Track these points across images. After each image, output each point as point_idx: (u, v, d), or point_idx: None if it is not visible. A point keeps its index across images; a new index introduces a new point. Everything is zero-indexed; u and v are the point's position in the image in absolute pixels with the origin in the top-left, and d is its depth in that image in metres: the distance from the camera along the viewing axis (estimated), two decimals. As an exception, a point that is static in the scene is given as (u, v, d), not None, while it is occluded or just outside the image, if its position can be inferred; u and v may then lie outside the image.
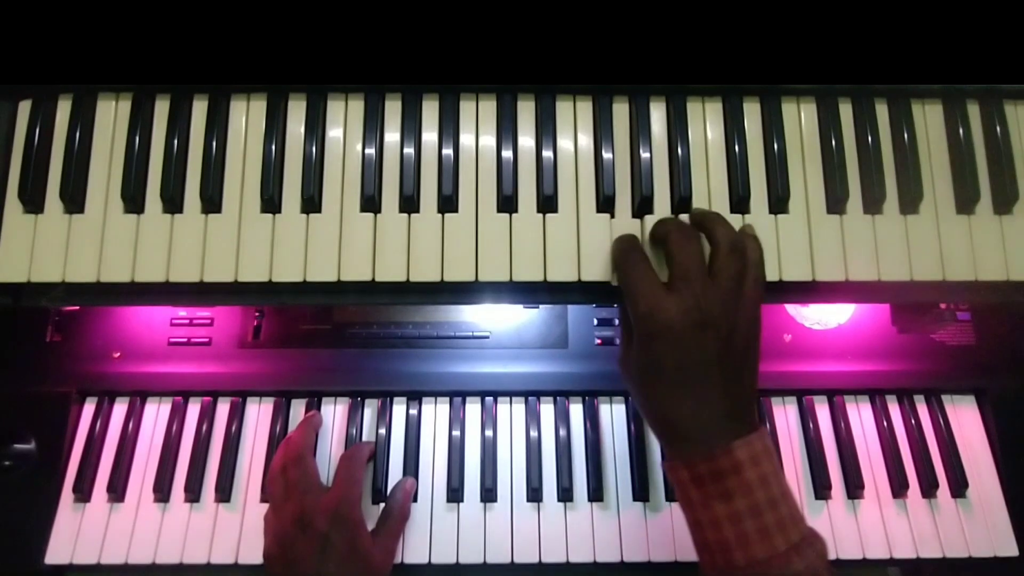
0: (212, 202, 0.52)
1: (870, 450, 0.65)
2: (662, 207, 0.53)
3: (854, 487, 0.63)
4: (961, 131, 0.54)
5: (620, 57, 0.51)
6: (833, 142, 0.53)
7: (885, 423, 0.66)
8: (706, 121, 0.54)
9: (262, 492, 0.63)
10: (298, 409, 0.66)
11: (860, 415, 0.67)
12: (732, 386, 0.45)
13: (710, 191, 0.53)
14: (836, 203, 0.53)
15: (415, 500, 0.62)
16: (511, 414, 0.66)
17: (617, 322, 0.69)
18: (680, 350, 0.44)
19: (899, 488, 0.63)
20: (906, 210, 0.53)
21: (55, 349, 0.67)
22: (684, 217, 0.50)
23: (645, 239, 0.51)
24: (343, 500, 0.56)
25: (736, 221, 0.51)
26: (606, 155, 0.53)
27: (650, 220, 0.51)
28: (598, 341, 0.69)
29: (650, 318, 0.45)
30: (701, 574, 0.46)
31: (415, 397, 0.66)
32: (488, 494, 0.62)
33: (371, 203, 0.52)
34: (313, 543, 0.53)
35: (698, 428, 0.45)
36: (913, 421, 0.66)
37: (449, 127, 0.53)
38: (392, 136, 0.53)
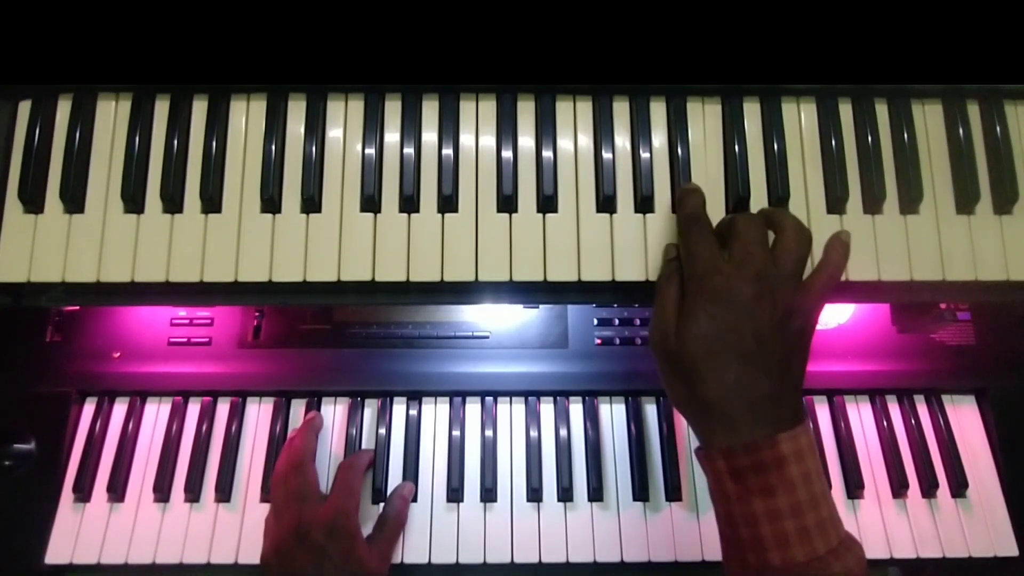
0: (212, 202, 0.52)
1: (870, 450, 0.65)
2: (663, 207, 0.52)
3: (854, 487, 0.63)
4: (961, 131, 0.54)
5: (620, 57, 0.50)
6: (833, 142, 0.53)
7: (885, 423, 0.66)
8: (706, 121, 0.54)
9: (262, 492, 0.63)
10: (298, 409, 0.66)
11: (860, 415, 0.67)
12: (779, 370, 0.44)
13: (710, 191, 0.53)
14: (836, 203, 0.53)
15: (415, 500, 0.62)
16: (511, 414, 0.66)
17: (617, 322, 0.69)
18: (733, 316, 0.43)
19: (899, 488, 0.63)
20: (906, 210, 0.53)
21: (55, 349, 0.67)
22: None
23: (646, 239, 0.51)
24: (340, 512, 0.56)
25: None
26: (606, 155, 0.53)
27: (651, 220, 0.51)
28: (598, 341, 0.69)
29: (707, 279, 0.44)
30: (725, 570, 0.45)
31: (415, 397, 0.66)
32: (488, 494, 0.62)
33: (371, 203, 0.52)
34: (310, 554, 0.54)
35: (741, 408, 0.42)
36: (913, 421, 0.66)
37: (449, 127, 0.53)
38: (392, 136, 0.53)
